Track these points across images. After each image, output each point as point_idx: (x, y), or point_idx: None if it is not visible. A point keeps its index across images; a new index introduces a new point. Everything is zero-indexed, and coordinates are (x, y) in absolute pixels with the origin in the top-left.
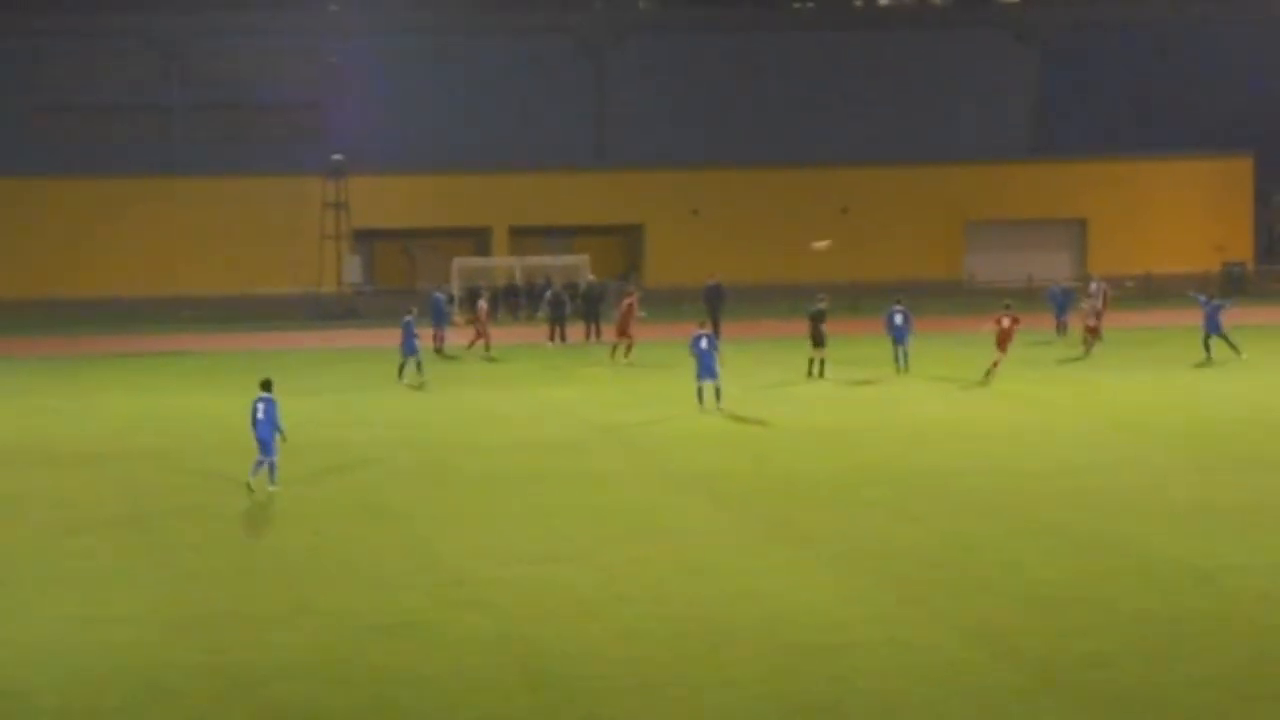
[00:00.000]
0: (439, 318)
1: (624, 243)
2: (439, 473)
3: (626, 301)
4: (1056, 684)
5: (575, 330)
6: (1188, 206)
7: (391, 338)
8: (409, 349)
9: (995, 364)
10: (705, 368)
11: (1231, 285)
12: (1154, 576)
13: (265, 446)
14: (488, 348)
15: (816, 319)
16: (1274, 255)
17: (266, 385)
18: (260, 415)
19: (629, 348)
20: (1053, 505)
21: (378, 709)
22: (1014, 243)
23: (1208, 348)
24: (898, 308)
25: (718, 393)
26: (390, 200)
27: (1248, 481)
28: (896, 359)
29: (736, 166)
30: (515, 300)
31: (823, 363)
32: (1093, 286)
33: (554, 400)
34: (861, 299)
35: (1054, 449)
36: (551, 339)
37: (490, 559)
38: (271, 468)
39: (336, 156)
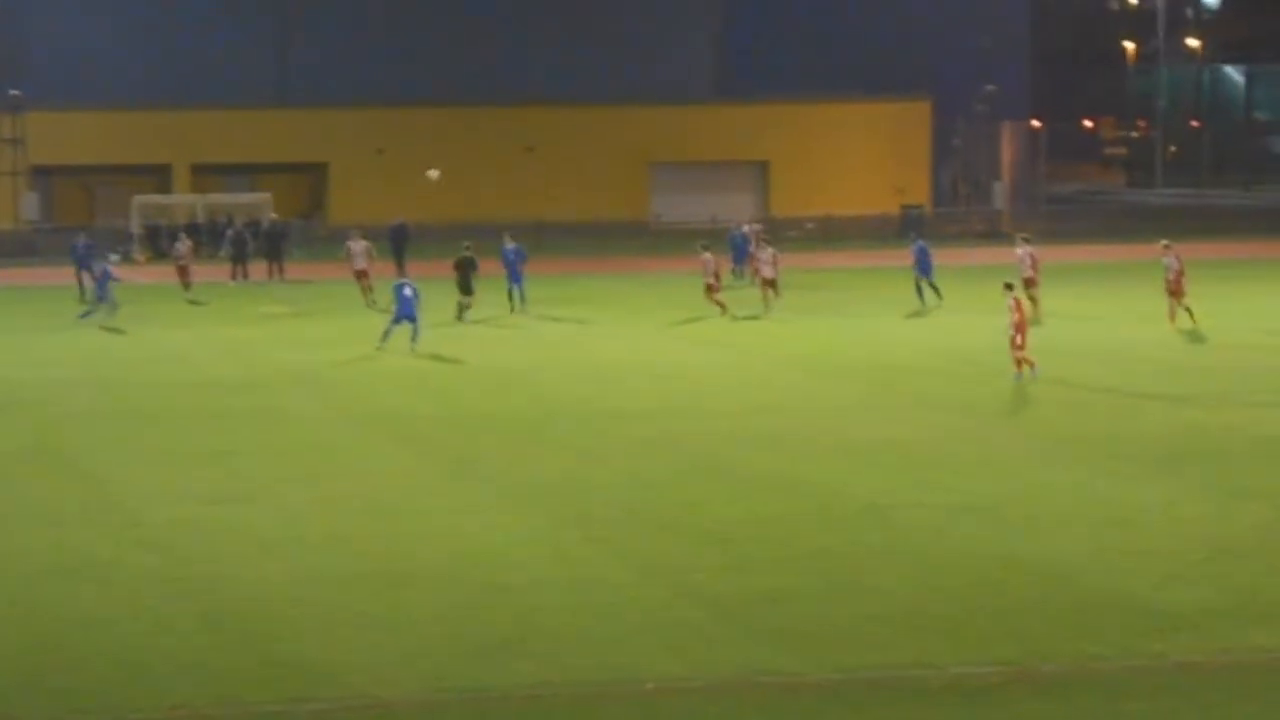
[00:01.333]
0: (84, 264)
1: (308, 181)
2: (117, 412)
3: (364, 245)
4: (734, 620)
5: (257, 269)
6: (867, 149)
7: (71, 275)
8: (102, 293)
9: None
10: (406, 313)
11: (910, 228)
12: (832, 514)
13: None
14: (187, 288)
15: (463, 266)
16: (954, 199)
17: None
18: None
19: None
20: (734, 445)
21: (52, 651)
22: (698, 184)
23: (920, 291)
24: (512, 245)
25: (415, 334)
26: (70, 137)
27: (924, 420)
28: (511, 298)
29: (422, 105)
30: (197, 239)
31: (464, 309)
32: (745, 230)
33: (236, 339)
34: (545, 239)
35: (737, 390)
36: (234, 278)
37: (168, 499)
38: None
39: (13, 92)
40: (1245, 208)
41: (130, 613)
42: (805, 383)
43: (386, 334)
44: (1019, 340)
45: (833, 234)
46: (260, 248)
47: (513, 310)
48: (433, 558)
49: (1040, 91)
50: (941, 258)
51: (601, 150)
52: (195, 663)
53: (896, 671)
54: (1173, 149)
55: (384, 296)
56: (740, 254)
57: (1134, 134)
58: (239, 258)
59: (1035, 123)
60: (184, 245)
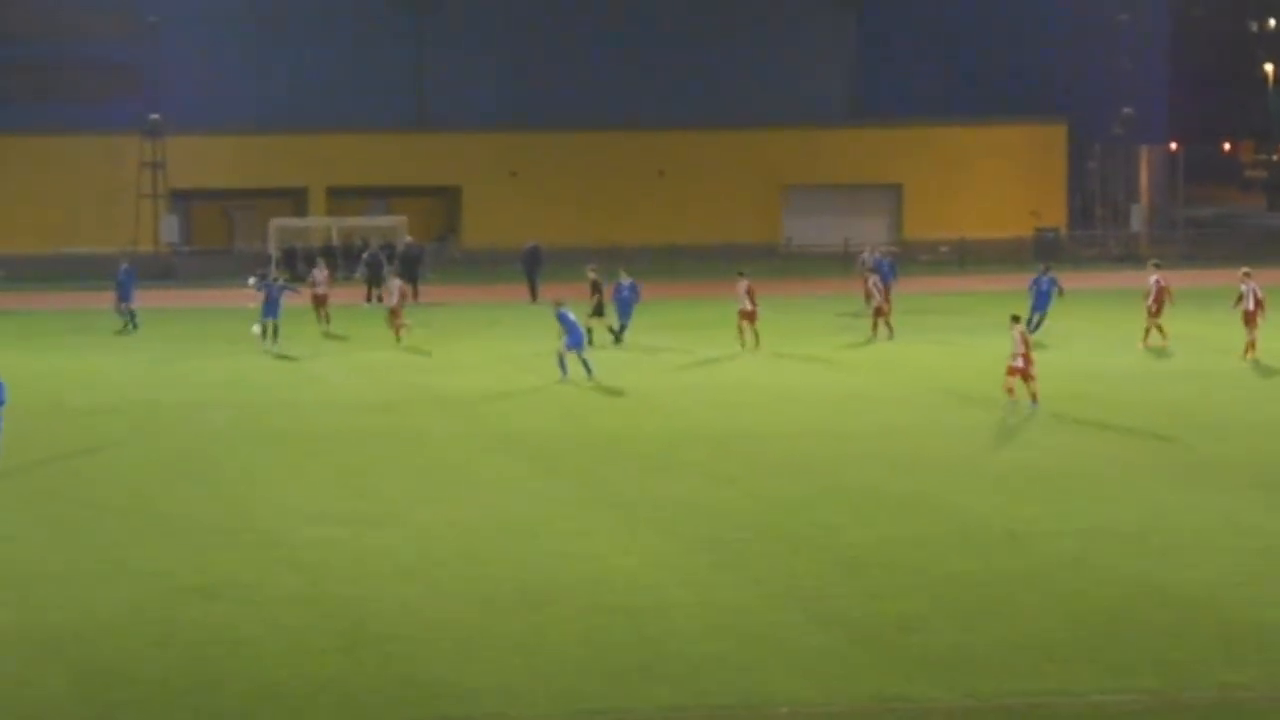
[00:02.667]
0: (124, 292)
1: (442, 204)
2: (254, 432)
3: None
4: (869, 646)
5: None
6: (1003, 172)
7: (209, 298)
8: (271, 311)
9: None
10: (576, 340)
11: (1042, 252)
12: (966, 539)
13: None
14: (321, 318)
15: (596, 289)
16: (1090, 222)
17: None
18: None
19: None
20: (866, 468)
21: (194, 669)
22: (831, 207)
23: (1037, 324)
24: (628, 280)
25: (587, 365)
26: (208, 160)
27: (1057, 444)
28: (623, 329)
29: (555, 129)
30: (332, 261)
31: (589, 330)
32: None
33: (370, 361)
34: (677, 262)
35: (868, 412)
36: (369, 300)
37: (306, 519)
38: None
39: (154, 116)
40: None
41: (269, 633)
42: (936, 405)
43: (563, 364)
44: (1030, 371)
45: (967, 257)
46: (395, 270)
47: (616, 342)
48: (567, 580)
49: (1179, 114)
50: (1078, 280)
51: (734, 173)
52: (333, 683)
53: (1035, 699)
54: None
55: (457, 315)
56: (886, 278)
57: (1274, 157)
58: (374, 280)
59: (1174, 145)
60: (321, 273)
